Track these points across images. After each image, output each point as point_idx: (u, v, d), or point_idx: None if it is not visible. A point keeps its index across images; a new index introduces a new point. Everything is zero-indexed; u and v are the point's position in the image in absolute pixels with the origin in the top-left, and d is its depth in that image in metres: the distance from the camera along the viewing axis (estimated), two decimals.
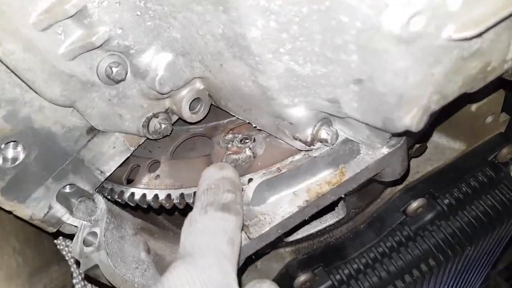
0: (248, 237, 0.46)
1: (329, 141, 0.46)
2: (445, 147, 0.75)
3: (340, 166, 0.47)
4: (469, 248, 0.75)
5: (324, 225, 0.64)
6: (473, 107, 0.67)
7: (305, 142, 0.47)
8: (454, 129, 0.73)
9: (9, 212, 0.49)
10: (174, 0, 0.40)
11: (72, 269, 0.71)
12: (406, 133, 0.40)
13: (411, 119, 0.36)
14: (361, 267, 0.73)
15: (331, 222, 0.64)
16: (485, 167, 0.73)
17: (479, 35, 0.31)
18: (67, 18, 0.41)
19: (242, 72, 0.43)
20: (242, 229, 0.47)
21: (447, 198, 0.73)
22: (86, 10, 0.41)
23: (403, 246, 0.74)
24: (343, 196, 0.49)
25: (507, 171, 0.78)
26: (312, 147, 0.48)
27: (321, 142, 0.47)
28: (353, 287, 0.73)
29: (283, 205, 0.47)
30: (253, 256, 0.50)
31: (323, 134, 0.46)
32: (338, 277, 0.73)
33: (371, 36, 0.30)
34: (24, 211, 0.49)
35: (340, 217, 0.64)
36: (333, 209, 0.64)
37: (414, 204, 0.71)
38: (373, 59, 0.32)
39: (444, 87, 0.36)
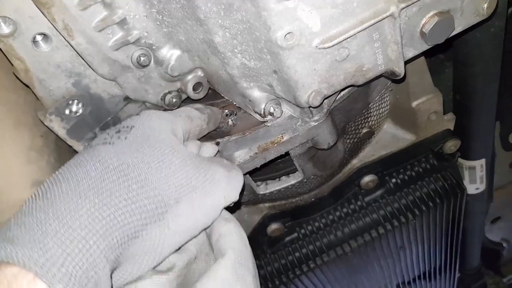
0: None
1: (275, 115, 0.68)
2: (400, 137, 0.92)
3: (282, 133, 0.69)
4: (413, 221, 0.93)
5: (288, 183, 0.85)
6: (413, 104, 0.85)
7: (260, 115, 0.69)
8: (406, 123, 0.91)
9: (70, 146, 0.76)
10: (178, 16, 0.64)
11: None
12: (312, 107, 0.61)
13: (307, 97, 0.57)
14: (322, 226, 0.94)
15: (293, 182, 0.85)
16: (429, 155, 0.90)
17: (337, 45, 0.51)
18: (114, 24, 0.66)
19: (218, 64, 0.66)
20: None
21: (394, 178, 0.91)
22: (125, 20, 0.66)
23: (357, 213, 0.93)
24: (284, 153, 0.71)
25: (454, 162, 0.94)
26: (265, 118, 0.70)
27: (270, 115, 0.69)
28: (314, 240, 0.94)
29: (241, 155, 0.70)
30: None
31: (271, 109, 0.68)
32: (302, 231, 0.94)
33: (269, 44, 0.52)
34: (79, 147, 0.75)
35: (300, 179, 0.85)
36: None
37: (366, 179, 0.90)
38: (275, 58, 0.53)
39: (328, 79, 0.56)
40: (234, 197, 0.55)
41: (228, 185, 0.54)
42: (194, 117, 0.64)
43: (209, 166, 0.53)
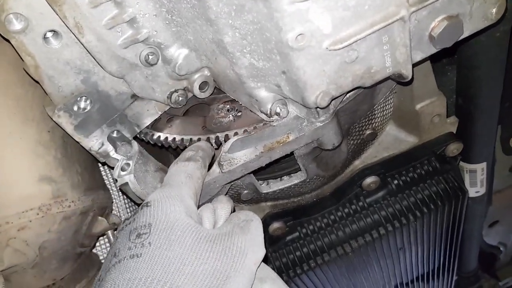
0: (221, 171, 0.70)
1: (281, 115, 0.69)
2: (402, 139, 0.93)
3: (288, 133, 0.70)
4: (414, 222, 0.94)
5: (291, 183, 0.86)
6: (417, 106, 0.86)
7: (266, 114, 0.70)
8: (409, 125, 0.92)
9: (77, 142, 0.76)
10: (187, 16, 0.65)
11: (113, 196, 1.00)
12: (319, 108, 0.62)
13: (315, 98, 0.58)
14: (323, 225, 0.94)
15: (296, 181, 0.86)
16: (431, 158, 0.91)
17: (347, 47, 0.52)
18: (124, 23, 0.67)
19: (226, 64, 0.67)
20: (218, 166, 0.71)
21: (396, 179, 0.92)
22: (135, 19, 0.66)
23: (358, 214, 0.94)
24: (289, 153, 0.72)
25: (455, 165, 0.95)
26: (271, 118, 0.71)
27: (276, 115, 0.70)
28: (315, 240, 0.95)
29: (247, 154, 0.70)
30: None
31: (278, 109, 0.69)
32: (304, 230, 0.95)
33: (280, 45, 0.52)
34: (86, 143, 0.76)
35: (303, 179, 0.85)
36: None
37: (368, 180, 0.91)
38: (285, 59, 0.54)
39: (337, 80, 0.57)
40: (262, 254, 0.56)
41: (254, 249, 0.55)
42: (193, 171, 0.64)
43: (232, 241, 0.54)
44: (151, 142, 0.80)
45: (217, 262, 0.52)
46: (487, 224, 1.56)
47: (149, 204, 0.57)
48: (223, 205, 0.62)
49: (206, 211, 0.60)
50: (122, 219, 1.01)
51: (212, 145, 0.73)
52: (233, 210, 0.65)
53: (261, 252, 0.56)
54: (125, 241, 0.54)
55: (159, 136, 0.77)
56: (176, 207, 0.56)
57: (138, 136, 0.82)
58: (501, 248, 1.75)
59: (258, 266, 0.55)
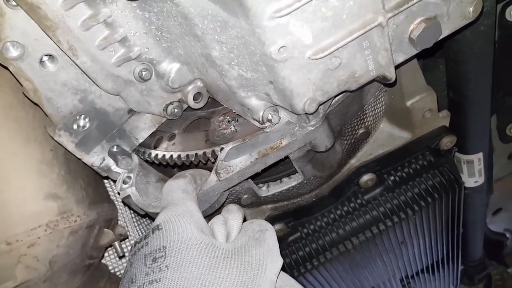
0: (219, 179, 0.72)
1: (273, 121, 0.71)
2: (396, 136, 0.95)
3: (281, 138, 0.72)
4: (413, 216, 0.95)
5: (289, 185, 0.88)
6: (408, 103, 0.87)
7: (259, 121, 0.72)
8: (402, 122, 0.93)
9: (79, 159, 0.79)
10: (176, 32, 0.67)
11: (118, 207, 1.02)
12: (308, 114, 0.64)
13: (303, 105, 0.60)
14: (323, 224, 0.96)
15: (294, 183, 0.88)
16: (425, 152, 0.93)
17: (329, 55, 0.54)
18: (116, 42, 0.69)
19: (216, 75, 0.69)
20: (216, 175, 0.73)
21: (392, 175, 0.94)
22: (126, 38, 0.69)
23: (357, 211, 0.95)
24: (283, 158, 0.74)
25: (451, 157, 0.97)
26: (264, 125, 0.73)
27: (269, 122, 0.72)
28: (316, 239, 0.97)
29: (242, 161, 0.73)
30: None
31: (269, 116, 0.71)
32: (305, 230, 0.97)
33: (264, 58, 0.54)
34: (88, 159, 0.79)
35: (300, 181, 0.87)
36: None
37: (365, 177, 0.92)
38: (270, 70, 0.56)
39: (322, 87, 0.59)
40: (280, 264, 0.56)
41: (273, 260, 0.55)
42: (185, 185, 0.66)
43: (250, 255, 0.54)
44: (156, 162, 0.81)
45: (237, 279, 0.51)
46: (491, 212, 1.57)
47: (160, 227, 0.57)
48: (234, 215, 0.62)
49: (217, 224, 0.60)
50: (126, 231, 1.04)
51: (217, 157, 0.74)
52: (244, 218, 0.66)
53: (280, 261, 0.56)
54: (141, 267, 0.54)
55: (163, 155, 0.78)
56: (187, 225, 0.56)
57: (142, 157, 0.84)
58: (507, 235, 1.75)
59: (278, 276, 0.56)
